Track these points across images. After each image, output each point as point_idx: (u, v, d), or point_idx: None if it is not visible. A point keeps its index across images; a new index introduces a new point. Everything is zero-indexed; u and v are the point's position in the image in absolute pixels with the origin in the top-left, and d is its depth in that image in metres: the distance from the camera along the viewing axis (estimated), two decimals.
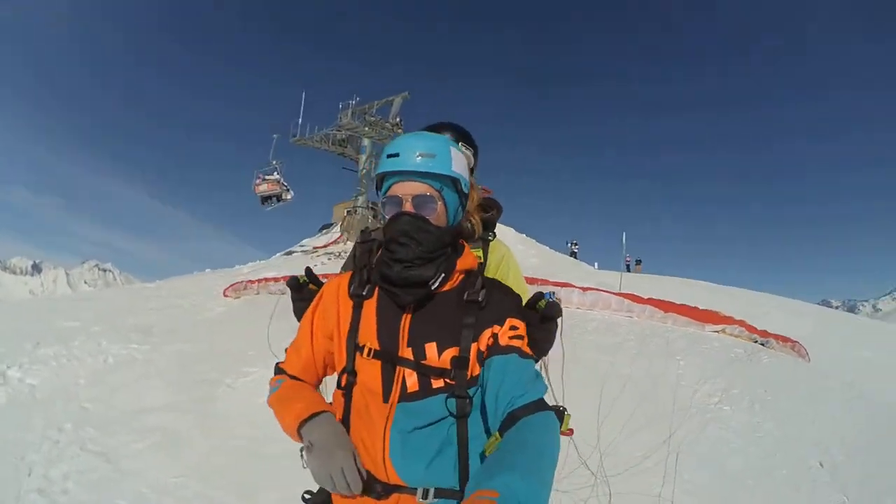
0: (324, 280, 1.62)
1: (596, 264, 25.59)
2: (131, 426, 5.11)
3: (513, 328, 1.31)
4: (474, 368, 1.28)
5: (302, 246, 29.36)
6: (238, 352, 7.44)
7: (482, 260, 1.72)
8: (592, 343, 8.26)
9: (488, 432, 1.28)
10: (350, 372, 1.35)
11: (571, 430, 1.41)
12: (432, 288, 1.30)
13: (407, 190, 1.32)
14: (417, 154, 1.31)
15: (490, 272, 1.72)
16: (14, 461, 4.29)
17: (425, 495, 1.23)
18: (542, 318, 1.37)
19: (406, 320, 1.32)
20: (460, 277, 1.38)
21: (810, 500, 4.11)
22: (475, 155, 1.87)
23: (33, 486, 3.94)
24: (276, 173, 27.07)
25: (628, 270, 23.45)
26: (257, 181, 27.20)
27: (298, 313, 1.56)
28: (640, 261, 27.95)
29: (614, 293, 11.17)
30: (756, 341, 9.12)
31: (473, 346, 1.29)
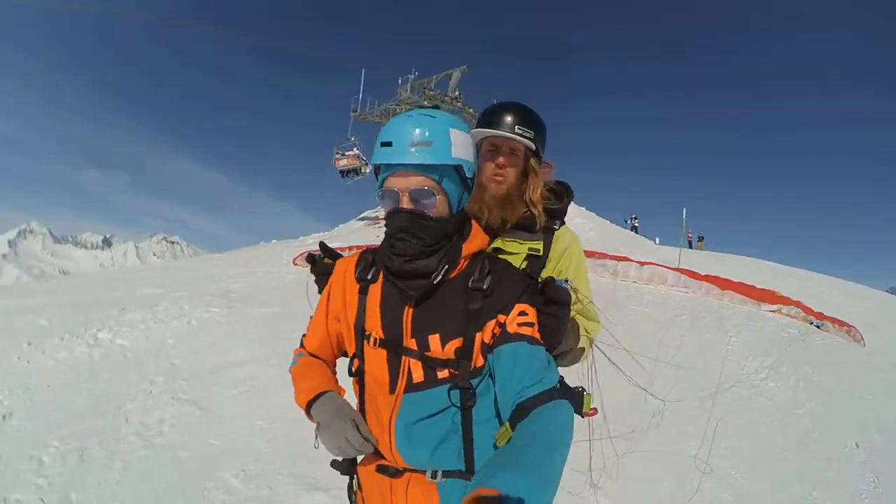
0: (342, 254, 1.64)
1: (657, 239, 25.06)
2: (219, 379, 5.65)
3: (522, 314, 1.28)
4: (478, 359, 1.27)
5: (363, 218, 30.51)
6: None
7: (540, 253, 1.61)
8: (647, 315, 8.45)
9: (499, 416, 1.29)
10: (360, 358, 1.36)
11: (595, 410, 1.43)
12: (435, 281, 1.27)
13: (403, 184, 1.25)
14: (412, 143, 1.22)
15: (551, 264, 1.64)
16: (112, 410, 4.92)
17: (434, 475, 1.28)
18: (546, 301, 1.30)
19: (409, 312, 1.30)
20: (466, 262, 1.34)
21: (841, 475, 4.22)
22: (540, 137, 1.67)
23: (131, 431, 4.52)
24: (355, 149, 28.20)
25: (690, 247, 22.93)
26: (337, 156, 28.44)
27: (319, 286, 1.58)
28: (702, 237, 27.15)
29: (671, 268, 11.16)
30: (812, 323, 8.98)
31: (478, 337, 1.26)
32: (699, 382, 5.48)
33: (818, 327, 8.84)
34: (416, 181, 1.24)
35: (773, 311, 9.50)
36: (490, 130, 1.62)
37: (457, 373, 1.25)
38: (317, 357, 1.48)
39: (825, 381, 6.28)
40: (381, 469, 1.33)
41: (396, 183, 1.25)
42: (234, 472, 3.81)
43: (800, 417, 5.21)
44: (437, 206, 1.27)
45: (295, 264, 13.80)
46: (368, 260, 1.41)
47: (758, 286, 10.32)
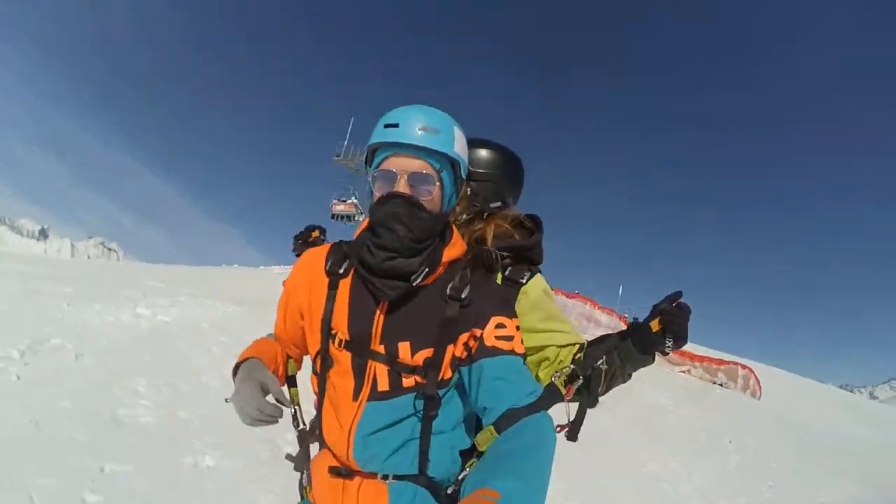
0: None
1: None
2: None
3: (499, 326, 1.24)
4: (446, 371, 1.23)
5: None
6: None
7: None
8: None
9: (460, 426, 1.29)
10: (324, 357, 1.29)
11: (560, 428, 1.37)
12: (414, 284, 1.21)
13: (404, 165, 1.20)
14: (419, 127, 1.19)
15: (520, 314, 1.43)
16: (183, 362, 5.79)
17: (385, 477, 1.24)
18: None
19: (381, 314, 1.24)
20: (443, 269, 1.28)
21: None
22: (515, 179, 1.67)
23: (210, 377, 5.44)
24: (353, 198, 31.46)
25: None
26: (334, 202, 31.82)
27: None
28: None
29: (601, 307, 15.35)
30: (714, 382, 12.89)
31: (449, 349, 1.23)
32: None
33: (720, 385, 12.43)
34: (419, 164, 1.20)
35: (683, 371, 13.15)
36: None
37: (423, 381, 1.21)
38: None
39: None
40: (334, 470, 1.28)
41: (397, 163, 1.20)
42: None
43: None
44: (433, 197, 1.23)
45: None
46: (341, 252, 1.33)
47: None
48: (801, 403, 13.31)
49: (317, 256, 1.37)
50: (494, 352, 1.22)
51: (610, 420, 6.46)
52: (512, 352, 1.24)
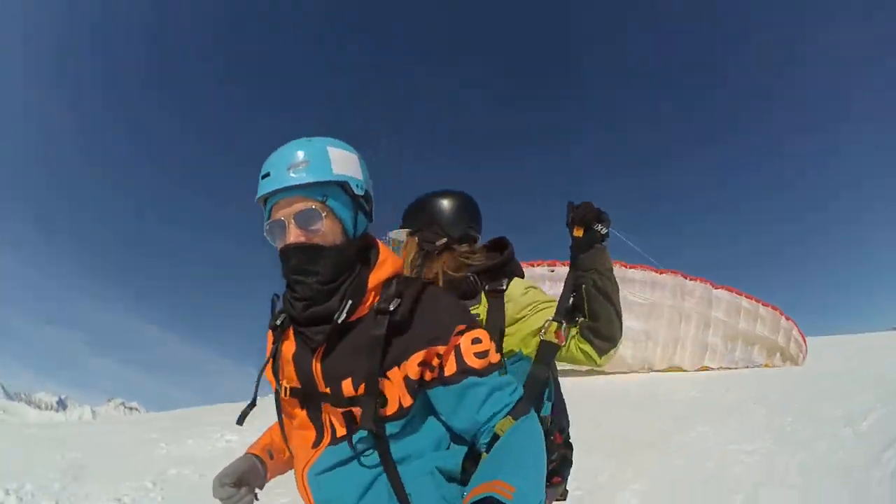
0: None
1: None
2: None
3: (475, 341, 1.21)
4: (404, 398, 1.18)
5: None
6: None
7: (481, 317, 1.60)
8: None
9: (449, 444, 1.26)
10: (278, 410, 1.30)
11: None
12: (339, 321, 1.18)
13: (287, 210, 1.21)
14: (288, 167, 1.19)
15: (512, 317, 1.62)
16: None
17: None
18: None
19: (317, 361, 1.22)
20: (377, 293, 1.25)
21: None
22: (458, 213, 1.78)
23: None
24: None
25: None
26: None
27: None
28: None
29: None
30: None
31: (396, 372, 1.18)
32: None
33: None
34: (299, 205, 1.20)
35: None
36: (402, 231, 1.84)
37: (362, 416, 1.16)
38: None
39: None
40: None
41: (281, 212, 1.22)
42: None
43: None
44: (327, 230, 1.22)
45: None
46: (278, 306, 1.34)
47: None
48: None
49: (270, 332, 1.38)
50: (477, 373, 1.19)
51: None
52: (490, 366, 1.22)
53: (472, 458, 1.23)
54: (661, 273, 14.41)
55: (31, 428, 11.63)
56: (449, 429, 1.26)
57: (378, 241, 1.37)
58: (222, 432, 9.34)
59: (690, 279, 14.67)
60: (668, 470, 6.16)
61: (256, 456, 1.42)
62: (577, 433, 1.82)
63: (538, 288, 1.71)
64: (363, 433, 1.19)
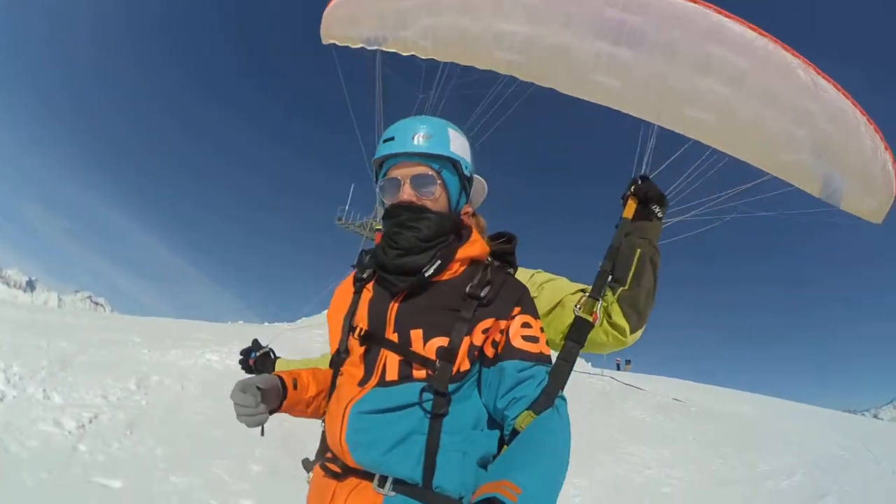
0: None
1: (590, 363, 27.45)
2: None
3: (525, 325, 1.27)
4: (463, 362, 1.22)
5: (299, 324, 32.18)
6: None
7: None
8: None
9: (477, 428, 1.25)
10: (341, 350, 1.36)
11: None
12: (426, 276, 1.27)
13: (405, 171, 1.32)
14: (414, 136, 1.32)
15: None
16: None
17: (382, 483, 1.17)
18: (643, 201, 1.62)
19: (395, 305, 1.30)
20: (463, 267, 1.34)
21: None
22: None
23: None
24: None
25: (618, 369, 25.03)
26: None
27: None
28: (629, 360, 29.75)
29: None
30: None
31: (466, 340, 1.23)
32: None
33: None
34: (418, 169, 1.32)
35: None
36: None
37: (433, 374, 1.20)
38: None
39: None
40: (326, 468, 1.26)
41: (399, 172, 1.33)
42: None
43: None
44: (437, 196, 1.34)
45: None
46: (364, 260, 1.44)
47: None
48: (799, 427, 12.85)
49: (346, 282, 1.49)
50: (520, 355, 1.23)
51: None
52: (539, 355, 1.25)
53: (501, 445, 1.29)
54: None
55: (14, 308, 11.70)
56: (486, 409, 1.29)
57: (471, 222, 1.47)
58: (203, 349, 9.54)
59: None
60: (612, 478, 7.10)
61: (281, 379, 1.39)
62: None
63: (541, 270, 1.72)
64: (416, 387, 1.21)
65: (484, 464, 1.23)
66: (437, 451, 1.17)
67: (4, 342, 7.31)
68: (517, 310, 1.29)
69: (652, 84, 1.69)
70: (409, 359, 1.23)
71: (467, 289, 1.28)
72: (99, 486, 4.07)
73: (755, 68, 1.67)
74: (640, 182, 1.65)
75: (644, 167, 1.73)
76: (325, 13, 2.26)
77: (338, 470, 1.23)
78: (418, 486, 1.15)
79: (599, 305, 1.53)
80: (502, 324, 1.26)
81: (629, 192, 1.66)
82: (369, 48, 2.13)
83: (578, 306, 1.53)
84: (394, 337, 1.27)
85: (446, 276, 1.32)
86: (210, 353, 9.44)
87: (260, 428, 1.30)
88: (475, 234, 1.41)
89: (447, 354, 1.21)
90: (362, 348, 1.30)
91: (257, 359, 2.14)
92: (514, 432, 1.18)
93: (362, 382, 1.26)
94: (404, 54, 2.00)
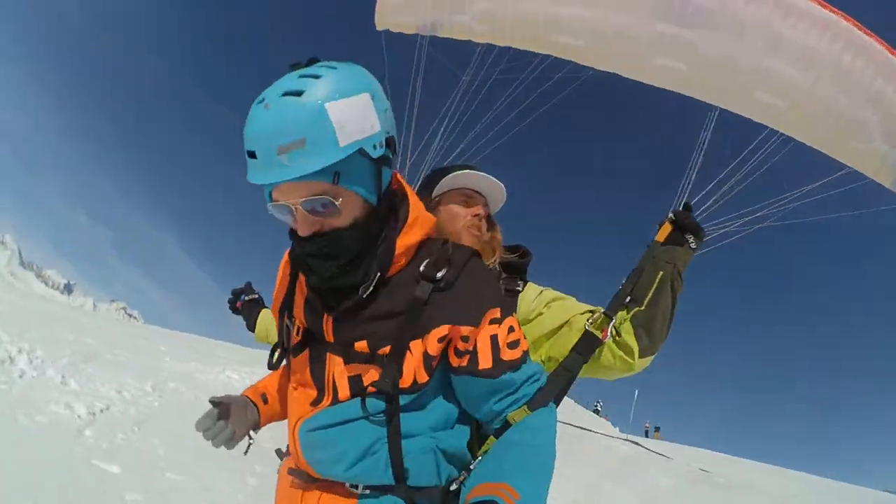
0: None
1: (618, 428, 26.43)
2: None
3: (511, 330, 1.13)
4: (419, 374, 1.07)
5: None
6: None
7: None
8: None
9: (456, 425, 1.19)
10: (285, 350, 1.22)
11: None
12: (364, 295, 1.05)
13: (292, 196, 0.98)
14: (278, 150, 0.91)
15: (525, 318, 1.49)
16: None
17: (354, 487, 1.11)
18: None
19: (330, 319, 1.11)
20: (411, 253, 1.12)
21: None
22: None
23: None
24: None
25: (646, 436, 24.41)
26: None
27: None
28: (658, 427, 28.54)
29: None
30: None
31: (418, 345, 1.06)
32: None
33: None
34: (304, 191, 0.97)
35: None
36: (475, 172, 1.56)
37: (381, 380, 1.05)
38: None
39: None
40: (293, 472, 1.19)
41: (284, 197, 0.99)
42: None
43: None
44: (345, 208, 1.01)
45: None
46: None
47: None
48: None
49: (286, 260, 1.27)
50: (510, 366, 1.11)
51: None
52: (526, 353, 1.16)
53: (478, 439, 1.24)
54: None
55: (49, 303, 12.07)
56: (459, 409, 1.20)
57: (407, 187, 1.19)
58: (224, 367, 9.55)
59: None
60: None
61: (250, 399, 1.39)
62: None
63: (551, 288, 1.63)
64: (375, 397, 1.10)
65: (452, 458, 1.17)
66: (402, 456, 1.10)
67: (34, 329, 7.49)
68: (495, 313, 1.12)
69: (719, 66, 1.60)
70: (354, 360, 1.11)
71: (421, 267, 1.10)
72: (98, 469, 4.08)
73: (827, 47, 1.56)
74: (680, 209, 1.63)
75: (697, 157, 1.66)
76: (378, 0, 2.29)
77: (303, 475, 1.18)
78: (391, 485, 1.12)
79: (612, 325, 1.48)
80: (469, 331, 1.09)
81: (667, 218, 1.63)
82: (424, 34, 2.15)
83: (590, 321, 1.48)
84: (335, 344, 1.14)
85: (393, 271, 1.11)
86: (231, 370, 9.49)
87: (246, 446, 1.34)
88: (414, 209, 1.14)
89: (395, 355, 1.07)
90: (306, 351, 1.18)
91: (245, 303, 2.08)
92: (507, 424, 1.15)
93: (315, 403, 1.15)
94: (460, 39, 1.99)
